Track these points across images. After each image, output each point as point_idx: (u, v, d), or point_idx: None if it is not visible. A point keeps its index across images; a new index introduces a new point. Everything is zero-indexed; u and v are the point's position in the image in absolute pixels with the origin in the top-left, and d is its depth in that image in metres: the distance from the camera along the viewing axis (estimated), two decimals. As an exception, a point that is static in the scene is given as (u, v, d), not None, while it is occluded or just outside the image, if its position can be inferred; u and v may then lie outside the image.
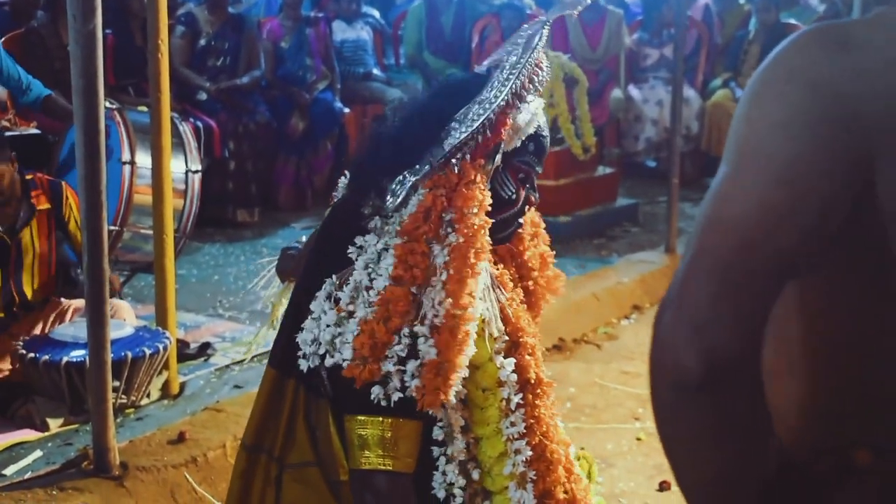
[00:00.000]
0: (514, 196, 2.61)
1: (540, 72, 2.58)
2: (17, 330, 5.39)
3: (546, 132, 2.65)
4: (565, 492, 2.68)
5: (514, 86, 2.49)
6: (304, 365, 2.54)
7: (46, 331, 5.37)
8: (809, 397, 1.57)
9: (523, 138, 2.58)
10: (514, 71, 2.51)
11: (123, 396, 4.97)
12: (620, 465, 5.00)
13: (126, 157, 6.05)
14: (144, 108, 6.66)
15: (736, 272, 1.43)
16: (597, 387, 5.95)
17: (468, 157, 2.45)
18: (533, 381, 2.63)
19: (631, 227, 9.24)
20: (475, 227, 2.43)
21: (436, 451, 2.55)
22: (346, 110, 9.87)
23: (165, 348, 5.08)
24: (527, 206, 2.68)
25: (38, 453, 4.62)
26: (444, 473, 2.55)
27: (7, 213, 5.39)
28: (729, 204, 1.47)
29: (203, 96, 8.97)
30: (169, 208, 4.94)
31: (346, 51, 10.43)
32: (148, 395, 5.17)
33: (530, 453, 2.61)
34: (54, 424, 4.88)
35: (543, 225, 2.92)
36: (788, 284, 1.57)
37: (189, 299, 6.79)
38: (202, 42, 9.11)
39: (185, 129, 6.60)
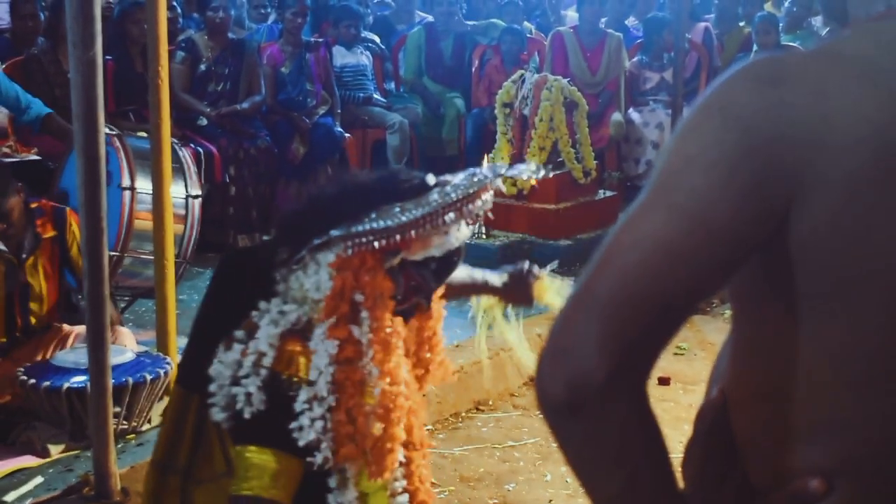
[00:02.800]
0: (400, 298, 2.73)
1: (477, 203, 2.70)
2: (19, 356, 5.41)
3: (455, 260, 2.79)
4: None
5: (438, 208, 2.62)
6: (218, 416, 2.67)
7: (48, 357, 5.38)
8: (765, 424, 1.58)
9: (428, 256, 2.70)
10: (445, 197, 2.64)
11: (125, 422, 4.98)
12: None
13: (126, 182, 6.08)
14: (144, 134, 6.70)
15: (613, 299, 1.40)
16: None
17: (369, 247, 2.60)
18: (415, 441, 2.80)
19: (632, 250, 9.21)
20: (385, 311, 2.64)
21: (330, 499, 2.67)
22: (347, 135, 9.89)
23: (167, 374, 5.09)
24: (414, 312, 2.83)
25: (38, 479, 4.63)
26: None
27: (13, 243, 5.42)
28: (628, 232, 1.45)
29: (203, 122, 8.99)
30: (170, 234, 4.96)
31: (346, 76, 10.46)
32: (149, 421, 5.18)
33: None
34: (55, 450, 4.89)
35: (440, 334, 3.06)
36: (740, 316, 1.59)
37: (190, 325, 6.78)
38: (202, 67, 9.14)
39: (185, 154, 6.64)
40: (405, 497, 2.75)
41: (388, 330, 2.64)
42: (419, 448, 2.80)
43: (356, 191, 2.74)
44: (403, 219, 2.58)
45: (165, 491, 2.80)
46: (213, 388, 2.68)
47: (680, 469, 1.63)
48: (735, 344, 1.63)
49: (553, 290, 3.49)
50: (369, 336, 2.61)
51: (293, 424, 2.58)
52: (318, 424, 2.57)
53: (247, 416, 2.62)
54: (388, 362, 2.64)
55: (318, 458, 2.58)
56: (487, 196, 2.76)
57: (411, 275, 2.71)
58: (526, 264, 3.45)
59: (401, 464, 2.73)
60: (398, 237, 2.59)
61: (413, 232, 2.59)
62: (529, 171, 2.91)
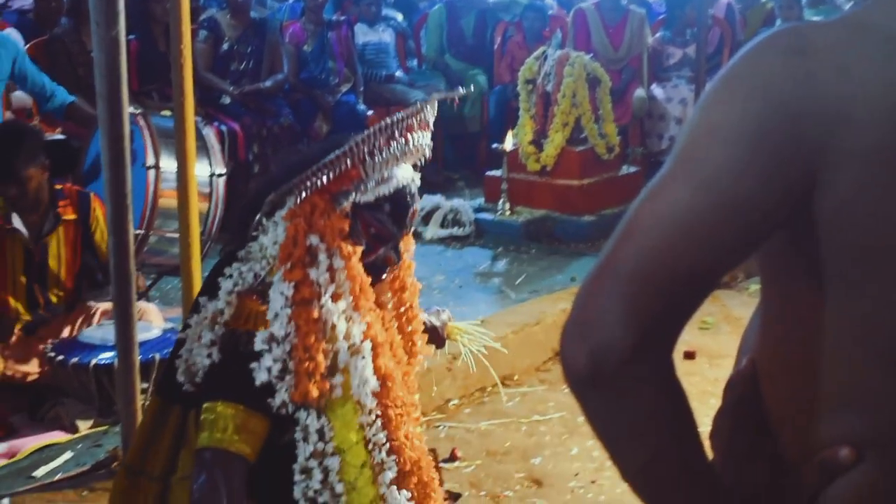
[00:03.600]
0: (363, 246, 2.76)
1: (409, 137, 2.76)
2: (45, 333, 5.45)
3: (408, 201, 2.83)
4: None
5: (370, 142, 2.68)
6: (181, 378, 2.73)
7: (74, 334, 5.42)
8: (794, 396, 1.57)
9: (378, 196, 2.75)
10: (375, 130, 2.70)
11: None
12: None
13: (150, 161, 6.09)
14: (168, 113, 6.70)
15: (636, 274, 1.40)
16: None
17: (314, 186, 2.66)
18: (392, 398, 2.77)
19: (655, 225, 9.21)
20: (344, 252, 2.68)
21: (298, 451, 2.66)
22: (370, 112, 9.90)
23: (192, 350, 5.11)
24: (386, 265, 2.86)
25: (68, 454, 4.67)
26: (303, 472, 2.66)
27: (32, 221, 5.47)
28: (650, 205, 1.45)
29: (227, 100, 9.01)
30: (194, 212, 4.96)
31: (369, 53, 10.47)
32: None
33: (394, 461, 2.75)
34: (84, 426, 4.93)
35: (415, 293, 3.11)
36: (768, 289, 1.58)
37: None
38: (225, 46, 9.15)
39: (209, 132, 6.65)
40: (386, 451, 2.73)
41: (348, 269, 2.68)
42: (399, 406, 2.78)
43: (305, 155, 2.86)
44: (339, 152, 2.65)
45: (135, 492, 2.82)
46: (181, 352, 2.74)
47: (709, 440, 1.63)
48: (763, 316, 1.63)
49: (463, 334, 3.53)
50: (326, 277, 2.64)
51: (252, 365, 2.60)
52: (276, 366, 2.59)
53: (203, 373, 2.67)
54: (353, 301, 2.69)
55: (277, 400, 2.59)
56: (423, 134, 2.84)
57: (368, 220, 2.75)
58: (439, 313, 3.46)
59: (377, 416, 2.72)
60: (339, 168, 2.65)
61: (349, 160, 2.65)
62: (457, 94, 2.96)
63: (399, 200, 2.80)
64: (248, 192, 3.03)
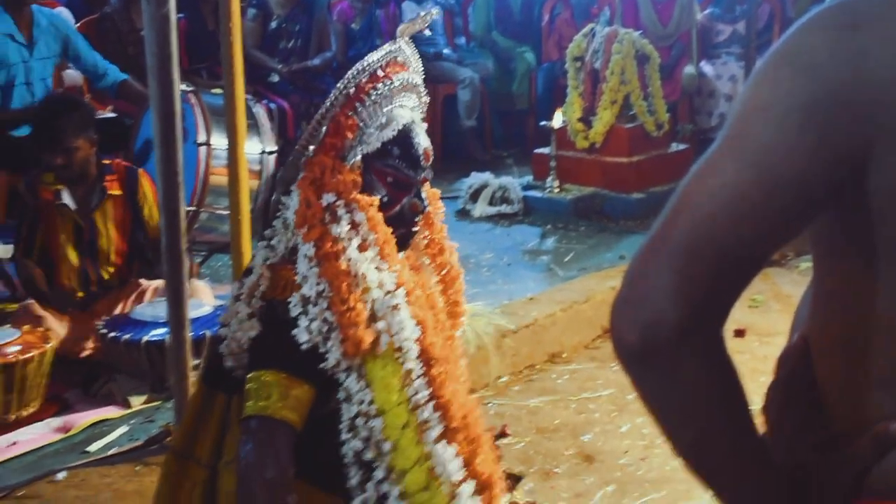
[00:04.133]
0: (385, 198, 2.76)
1: (387, 80, 2.76)
2: (98, 310, 5.51)
3: (414, 140, 2.81)
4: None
5: (347, 88, 2.71)
6: (228, 363, 2.75)
7: (126, 311, 5.47)
8: (846, 372, 1.57)
9: (383, 141, 2.75)
10: (348, 78, 2.72)
11: (203, 374, 5.05)
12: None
13: (202, 138, 6.13)
14: (218, 91, 6.73)
15: (686, 250, 1.40)
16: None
17: (315, 141, 2.71)
18: (433, 355, 2.74)
19: (704, 202, 9.19)
20: (361, 202, 2.68)
21: (342, 409, 2.66)
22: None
23: (243, 327, 5.13)
24: (414, 214, 2.84)
25: (121, 430, 4.71)
26: (349, 432, 2.65)
27: (80, 195, 5.53)
28: (700, 182, 1.45)
29: (275, 78, 9.04)
30: (245, 189, 4.98)
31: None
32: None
33: (439, 418, 2.72)
34: (136, 402, 4.97)
35: (449, 245, 3.09)
36: (819, 265, 1.57)
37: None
38: (273, 25, 9.17)
39: (259, 110, 6.67)
40: (430, 408, 2.71)
41: (369, 220, 2.68)
42: (441, 363, 2.77)
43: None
44: (325, 106, 2.70)
45: (183, 476, 2.83)
46: (222, 332, 2.76)
47: (761, 415, 1.63)
48: (815, 292, 1.62)
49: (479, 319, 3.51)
50: (349, 230, 2.65)
51: (294, 332, 2.61)
52: (315, 325, 2.60)
53: (246, 346, 2.69)
54: (380, 250, 2.69)
55: (331, 361, 2.60)
56: (412, 73, 2.87)
57: (381, 169, 2.76)
58: None
59: (420, 375, 2.71)
60: (328, 120, 2.70)
61: (340, 106, 2.70)
62: (426, 17, 2.98)
63: (406, 142, 2.79)
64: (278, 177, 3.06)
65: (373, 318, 2.64)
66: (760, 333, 6.36)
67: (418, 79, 2.91)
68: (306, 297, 2.62)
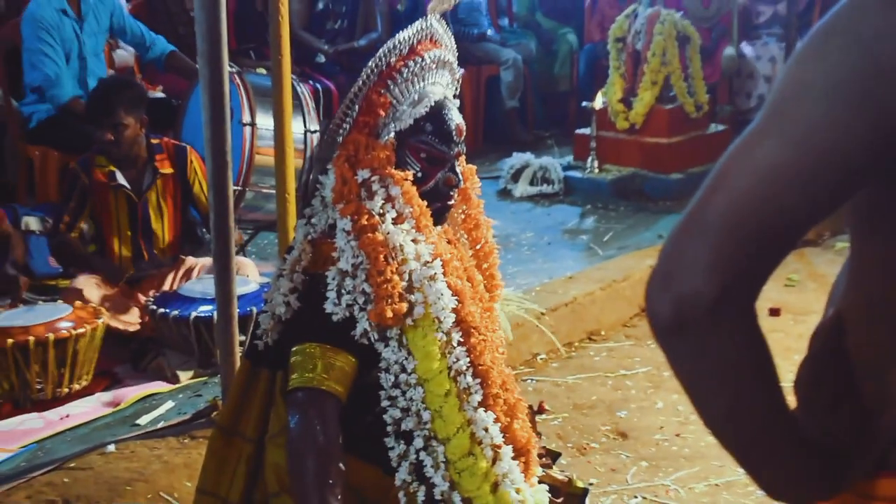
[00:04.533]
0: (419, 173, 2.81)
1: (418, 57, 2.82)
2: (147, 286, 5.57)
3: (447, 116, 2.85)
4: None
5: (379, 67, 2.76)
6: (272, 337, 2.81)
7: (175, 287, 5.53)
8: (880, 347, 1.58)
9: (416, 118, 2.79)
10: (379, 57, 2.77)
11: (249, 349, 5.09)
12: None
13: (247, 118, 6.16)
14: (263, 71, 6.77)
15: (723, 225, 1.39)
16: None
17: (348, 119, 2.76)
18: (470, 322, 2.78)
19: (743, 183, 9.18)
20: (396, 177, 2.73)
21: (383, 384, 2.70)
22: (461, 71, 9.87)
23: (288, 303, 5.17)
24: (449, 189, 2.88)
25: (169, 404, 4.76)
26: (388, 400, 2.70)
27: (132, 175, 5.60)
28: (740, 159, 1.43)
29: (321, 59, 9.07)
30: (290, 168, 5.00)
31: (461, 12, 10.45)
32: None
33: (479, 385, 2.75)
34: (184, 377, 5.03)
35: (485, 220, 3.13)
36: (856, 239, 1.58)
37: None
38: (320, 6, 9.20)
39: (304, 90, 6.70)
40: (470, 376, 2.75)
41: (404, 193, 2.73)
42: (480, 333, 2.80)
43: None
44: (357, 85, 2.75)
45: (229, 451, 2.88)
46: (266, 307, 2.83)
47: (793, 390, 1.66)
48: (851, 266, 1.63)
49: (509, 305, 3.53)
50: (384, 204, 2.71)
51: (327, 303, 2.67)
52: (348, 298, 2.65)
53: (288, 320, 2.75)
54: (416, 222, 2.74)
55: (358, 330, 2.65)
56: (443, 50, 2.93)
57: (415, 145, 2.81)
58: None
59: (459, 343, 2.75)
60: (361, 98, 2.76)
61: (372, 84, 2.76)
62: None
63: (438, 118, 2.83)
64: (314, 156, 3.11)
65: (409, 289, 2.69)
66: (795, 312, 6.36)
67: (451, 56, 2.96)
68: (344, 270, 2.67)
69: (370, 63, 2.76)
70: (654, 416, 5.10)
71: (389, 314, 2.63)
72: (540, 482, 2.94)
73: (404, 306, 2.65)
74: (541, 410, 5.02)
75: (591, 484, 4.35)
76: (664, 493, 4.39)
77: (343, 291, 2.66)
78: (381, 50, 2.77)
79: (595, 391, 5.39)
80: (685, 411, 5.05)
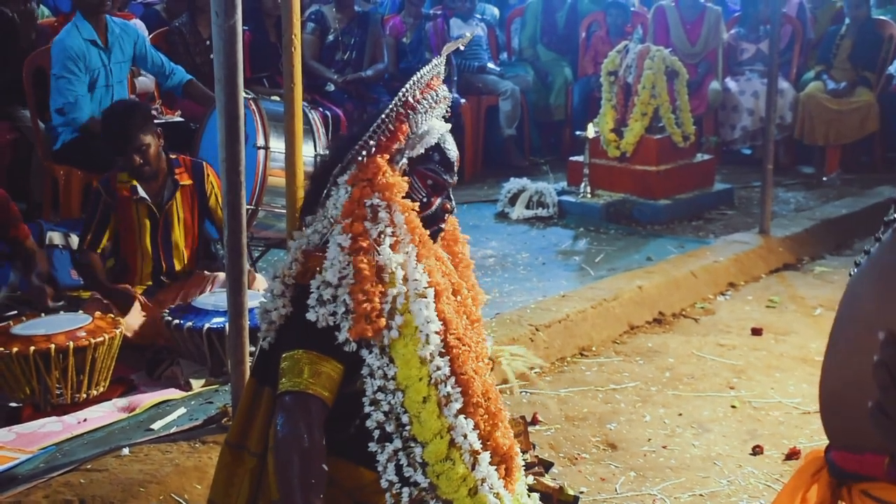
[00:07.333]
0: (425, 199, 2.85)
1: (433, 92, 2.87)
2: (164, 298, 5.54)
3: (450, 147, 2.91)
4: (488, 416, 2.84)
5: (404, 97, 2.78)
6: (264, 343, 2.85)
7: (189, 300, 5.50)
8: None
9: (426, 147, 2.85)
10: (406, 89, 2.80)
11: (259, 360, 5.06)
12: (716, 430, 4.98)
13: (260, 142, 6.15)
14: (277, 98, 6.75)
15: None
16: (694, 357, 5.91)
17: (371, 148, 2.75)
18: (457, 333, 2.79)
19: (727, 210, 9.18)
20: (404, 207, 2.74)
21: (367, 388, 2.70)
22: (463, 101, 9.93)
23: (297, 317, 5.15)
24: (444, 213, 2.93)
25: (182, 410, 4.73)
26: (371, 405, 2.69)
27: (154, 188, 5.58)
28: None
29: (331, 87, 9.07)
30: (300, 189, 5.00)
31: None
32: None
33: (460, 393, 2.75)
34: (197, 384, 4.99)
35: (465, 244, 3.18)
36: None
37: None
38: (330, 38, 9.21)
39: (314, 116, 6.68)
40: (451, 384, 2.73)
41: (407, 222, 2.73)
42: (465, 344, 2.79)
43: (354, 132, 2.89)
44: (386, 112, 2.76)
45: (237, 464, 2.89)
46: (259, 306, 2.86)
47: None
48: None
49: (507, 356, 3.52)
50: (385, 230, 2.71)
51: (309, 312, 2.67)
52: (329, 307, 2.65)
53: (279, 324, 2.77)
54: (415, 250, 2.74)
55: (340, 338, 2.64)
56: (443, 87, 2.95)
57: (423, 172, 2.84)
58: None
59: (441, 353, 2.73)
60: (391, 126, 2.76)
61: (396, 117, 2.77)
62: (462, 41, 3.08)
63: (443, 149, 2.88)
64: (314, 171, 3.10)
65: (393, 311, 2.69)
66: (777, 332, 6.32)
67: (447, 92, 2.98)
68: (328, 281, 2.67)
69: (400, 93, 2.78)
70: (643, 428, 5.06)
71: (370, 333, 2.64)
72: (532, 490, 2.92)
73: (383, 321, 2.66)
74: (534, 421, 4.98)
75: (581, 492, 4.31)
76: (651, 503, 4.34)
77: (324, 300, 2.66)
78: (409, 82, 2.80)
79: (586, 404, 5.34)
80: (671, 424, 5.02)
